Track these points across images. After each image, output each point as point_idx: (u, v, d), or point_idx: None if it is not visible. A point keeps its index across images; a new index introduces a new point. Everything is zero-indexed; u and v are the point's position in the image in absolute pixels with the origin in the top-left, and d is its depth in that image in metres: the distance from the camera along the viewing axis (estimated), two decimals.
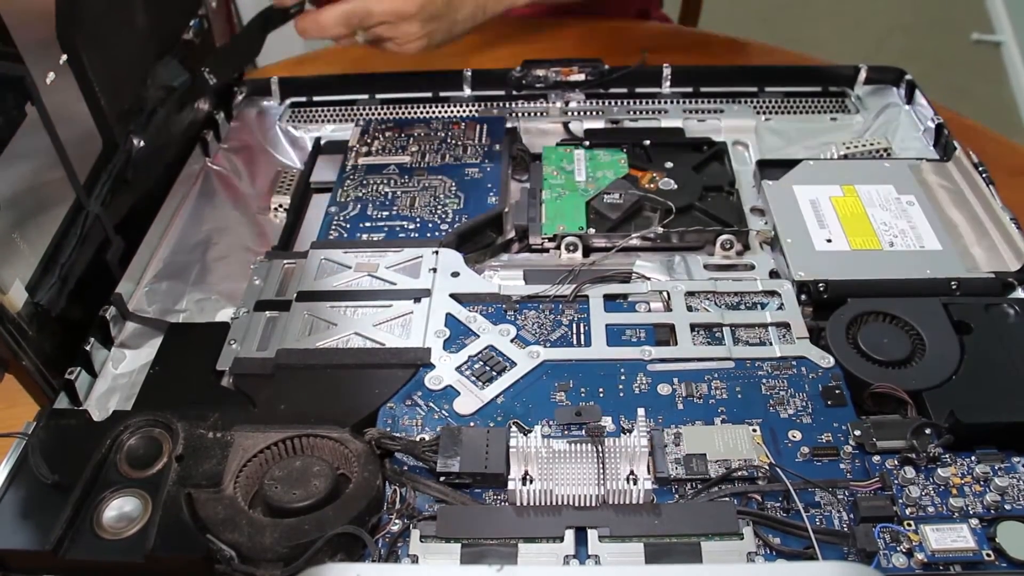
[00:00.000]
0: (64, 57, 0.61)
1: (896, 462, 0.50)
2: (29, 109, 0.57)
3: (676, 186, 0.73)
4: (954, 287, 0.62)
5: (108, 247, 0.68)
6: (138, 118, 0.72)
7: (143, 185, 0.73)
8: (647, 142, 0.78)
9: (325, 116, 0.88)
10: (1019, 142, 0.94)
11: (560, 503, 0.49)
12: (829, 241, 0.67)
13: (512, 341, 0.60)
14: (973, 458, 0.50)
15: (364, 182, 0.76)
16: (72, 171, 0.62)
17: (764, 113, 0.85)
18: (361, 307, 0.63)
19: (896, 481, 0.49)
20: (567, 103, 0.86)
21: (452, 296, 0.63)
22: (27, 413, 0.55)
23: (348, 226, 0.72)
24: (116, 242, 0.68)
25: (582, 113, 0.86)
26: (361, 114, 0.88)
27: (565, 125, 0.84)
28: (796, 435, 0.53)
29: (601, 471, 0.49)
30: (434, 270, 0.65)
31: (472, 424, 0.55)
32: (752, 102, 0.86)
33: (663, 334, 0.61)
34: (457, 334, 0.61)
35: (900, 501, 0.48)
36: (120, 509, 0.49)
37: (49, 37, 0.60)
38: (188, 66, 0.79)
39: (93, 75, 0.64)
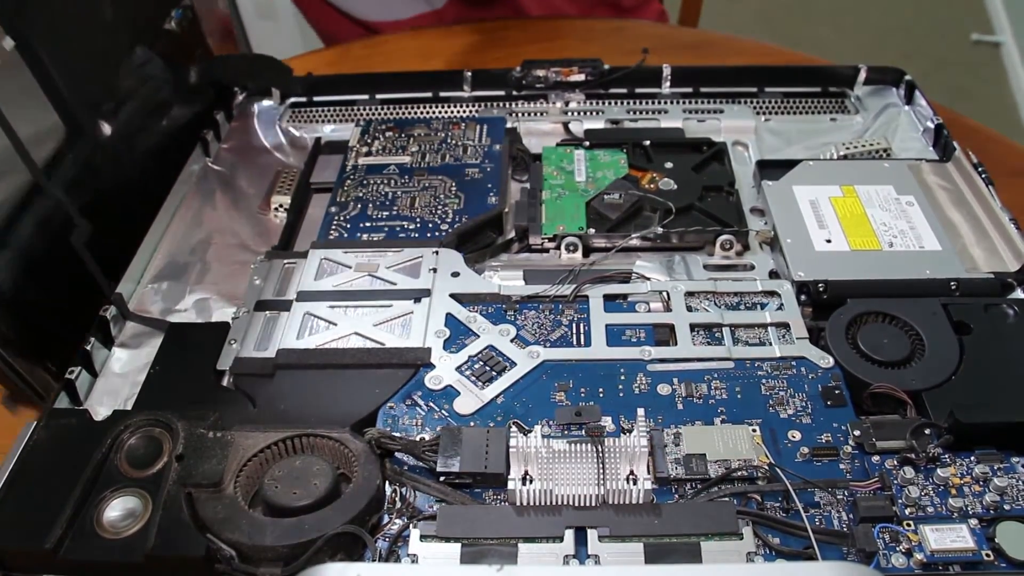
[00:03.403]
0: (12, 42, 0.60)
1: (895, 462, 0.50)
2: None
3: (676, 186, 0.73)
4: (953, 287, 0.62)
5: (72, 230, 0.67)
6: (107, 104, 0.71)
7: (115, 170, 0.72)
8: (647, 142, 0.78)
9: (325, 116, 0.88)
10: (1019, 142, 0.93)
11: (560, 503, 0.49)
12: (829, 241, 0.67)
13: (512, 341, 0.60)
14: (972, 458, 0.50)
15: (364, 182, 0.76)
16: (27, 154, 0.62)
17: (764, 113, 0.85)
18: (361, 307, 0.63)
19: (895, 481, 0.49)
20: (567, 103, 0.86)
21: (452, 296, 0.63)
22: (27, 413, 0.56)
23: (348, 226, 0.72)
24: (82, 225, 0.67)
25: (582, 113, 0.86)
26: (361, 114, 0.88)
27: (565, 125, 0.84)
28: (796, 435, 0.53)
29: (601, 471, 0.49)
30: (434, 270, 0.65)
31: (472, 424, 0.55)
32: (752, 102, 0.86)
33: (663, 334, 0.61)
34: (457, 334, 0.61)
35: (899, 501, 0.48)
36: (120, 509, 0.49)
37: None
38: (174, 57, 0.78)
39: (49, 60, 0.63)
